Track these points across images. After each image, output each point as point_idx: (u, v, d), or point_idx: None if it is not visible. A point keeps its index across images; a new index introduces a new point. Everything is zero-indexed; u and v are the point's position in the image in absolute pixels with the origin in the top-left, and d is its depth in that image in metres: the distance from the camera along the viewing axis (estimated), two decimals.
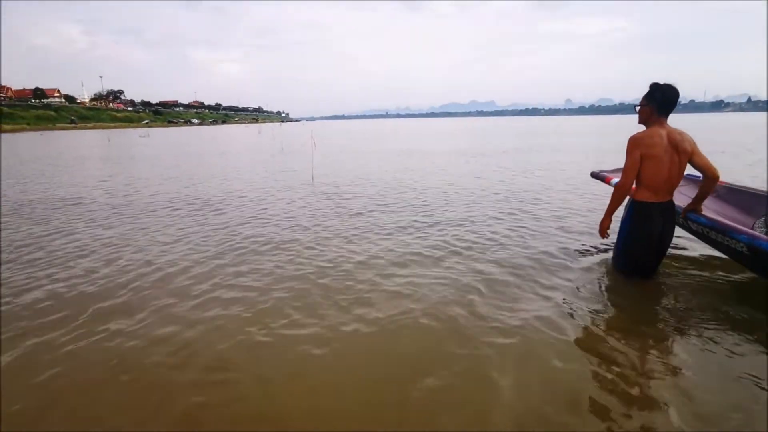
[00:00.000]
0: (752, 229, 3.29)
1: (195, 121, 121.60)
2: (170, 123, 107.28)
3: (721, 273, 3.54)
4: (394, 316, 2.93)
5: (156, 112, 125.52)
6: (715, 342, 2.54)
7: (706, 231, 3.30)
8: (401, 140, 26.36)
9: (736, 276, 3.47)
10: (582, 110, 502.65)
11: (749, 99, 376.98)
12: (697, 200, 3.23)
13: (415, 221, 5.52)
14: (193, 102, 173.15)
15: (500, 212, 5.97)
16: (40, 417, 2.06)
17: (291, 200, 7.19)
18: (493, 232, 4.92)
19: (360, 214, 6.02)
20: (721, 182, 3.82)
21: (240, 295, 3.34)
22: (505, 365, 2.37)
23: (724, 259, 3.71)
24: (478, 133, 34.10)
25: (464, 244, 4.50)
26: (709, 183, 3.08)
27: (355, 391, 2.22)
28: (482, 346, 2.55)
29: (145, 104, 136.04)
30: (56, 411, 2.09)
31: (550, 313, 2.94)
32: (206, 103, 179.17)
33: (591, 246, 4.37)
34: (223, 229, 5.36)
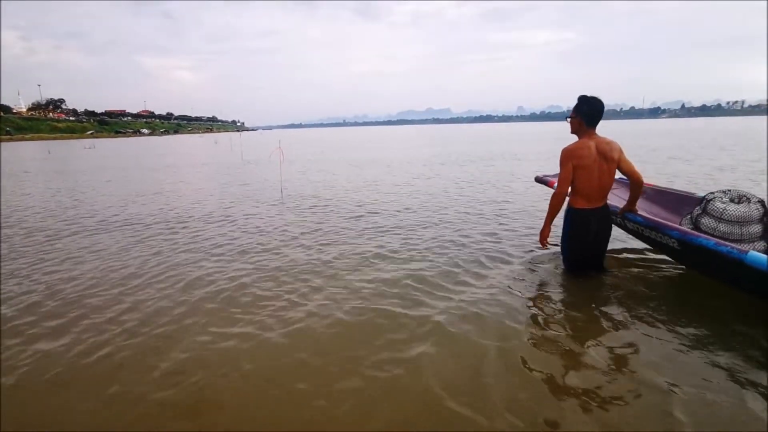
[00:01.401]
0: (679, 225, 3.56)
1: (145, 131, 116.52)
2: (118, 133, 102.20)
3: (657, 266, 3.90)
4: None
5: (102, 122, 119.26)
6: (656, 328, 2.81)
7: (641, 229, 3.68)
8: (365, 149, 25.88)
9: (668, 269, 3.84)
10: (533, 117, 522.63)
11: (683, 105, 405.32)
12: (631, 202, 3.56)
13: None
14: (143, 111, 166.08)
15: (474, 223, 5.68)
16: None
17: (259, 228, 6.02)
18: (465, 237, 4.61)
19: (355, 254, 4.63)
20: (649, 184, 4.37)
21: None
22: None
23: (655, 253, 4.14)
24: (440, 141, 34.28)
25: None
26: (635, 187, 3.42)
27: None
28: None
29: (90, 114, 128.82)
30: None
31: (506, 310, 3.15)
32: (157, 113, 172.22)
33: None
34: (173, 269, 4.26)
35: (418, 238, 5.09)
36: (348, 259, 4.39)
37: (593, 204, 3.35)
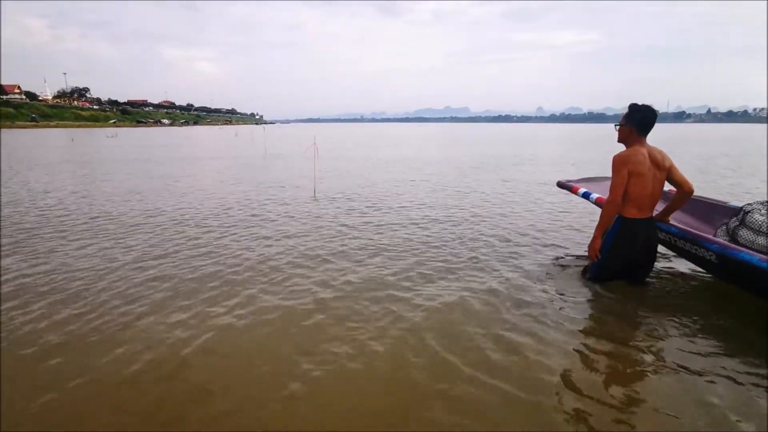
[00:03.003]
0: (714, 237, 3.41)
1: (165, 121, 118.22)
2: (139, 123, 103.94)
3: (688, 277, 3.77)
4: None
5: (124, 112, 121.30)
6: (688, 340, 2.72)
7: (675, 240, 3.49)
8: (392, 146, 25.44)
9: (700, 280, 3.72)
10: (553, 118, 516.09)
11: (709, 110, 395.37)
12: (668, 211, 3.47)
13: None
14: (164, 102, 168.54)
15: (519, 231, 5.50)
16: None
17: (294, 233, 5.18)
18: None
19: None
20: None
21: None
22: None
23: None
24: (465, 141, 33.54)
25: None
26: (683, 197, 3.32)
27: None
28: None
29: (113, 103, 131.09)
30: None
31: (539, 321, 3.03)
32: (177, 103, 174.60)
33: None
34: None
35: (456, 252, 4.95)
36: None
37: (644, 213, 3.24)
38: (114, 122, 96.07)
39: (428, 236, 5.17)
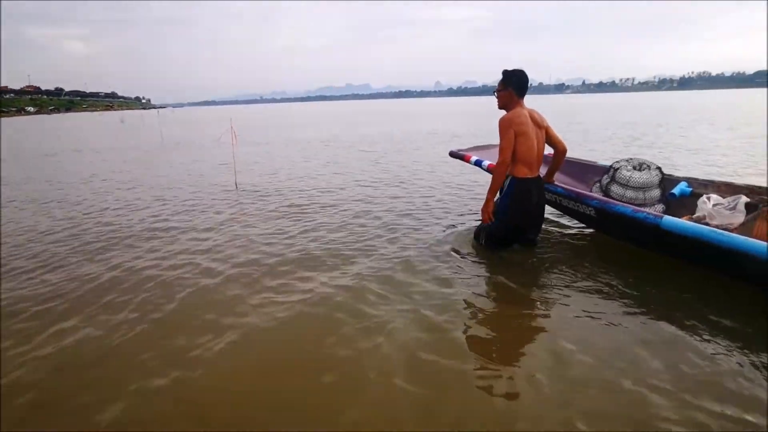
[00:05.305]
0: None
1: (30, 109, 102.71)
2: None
3: (573, 233, 4.12)
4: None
5: None
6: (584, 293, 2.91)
7: (559, 199, 3.85)
8: (303, 127, 24.35)
9: (582, 234, 4.08)
10: (450, 92, 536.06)
11: (584, 82, 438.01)
12: (551, 173, 3.73)
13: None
14: (27, 87, 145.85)
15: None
16: None
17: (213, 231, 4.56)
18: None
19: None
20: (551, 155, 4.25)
21: None
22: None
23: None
24: (377, 118, 33.02)
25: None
26: (560, 156, 3.60)
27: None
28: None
29: None
30: None
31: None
32: (44, 88, 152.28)
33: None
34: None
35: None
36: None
37: (534, 173, 3.35)
38: None
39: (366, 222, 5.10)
